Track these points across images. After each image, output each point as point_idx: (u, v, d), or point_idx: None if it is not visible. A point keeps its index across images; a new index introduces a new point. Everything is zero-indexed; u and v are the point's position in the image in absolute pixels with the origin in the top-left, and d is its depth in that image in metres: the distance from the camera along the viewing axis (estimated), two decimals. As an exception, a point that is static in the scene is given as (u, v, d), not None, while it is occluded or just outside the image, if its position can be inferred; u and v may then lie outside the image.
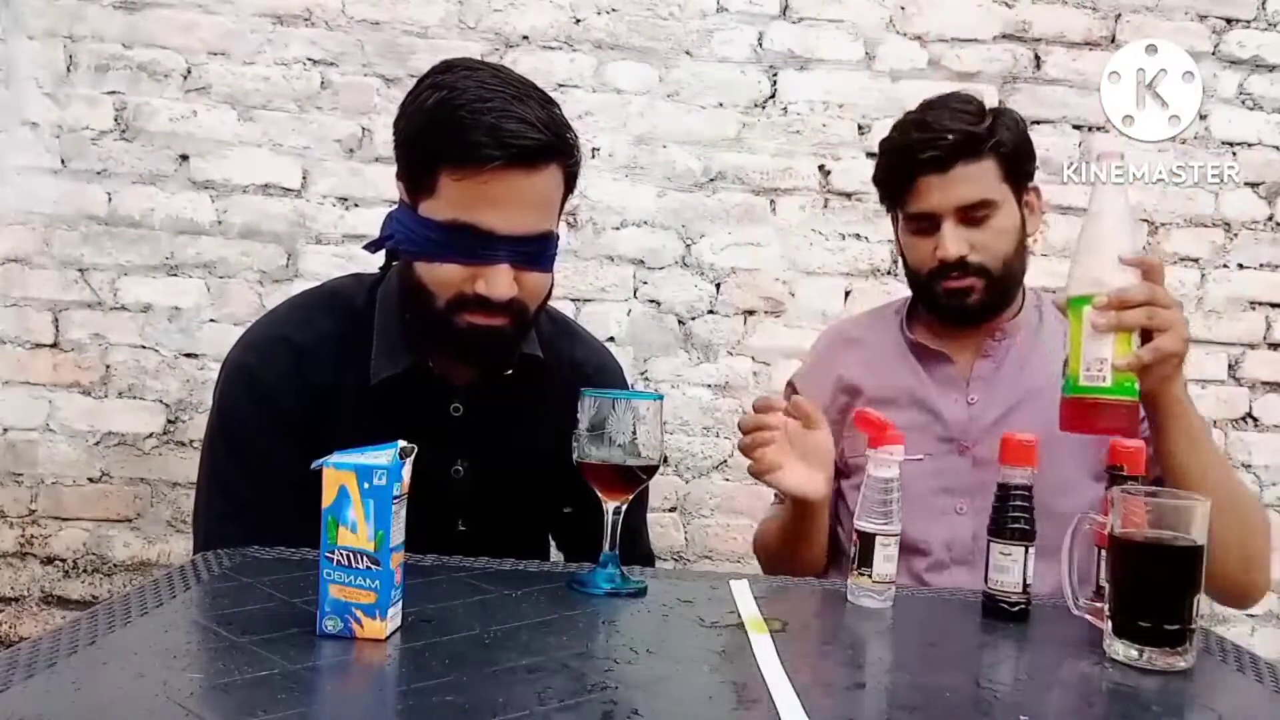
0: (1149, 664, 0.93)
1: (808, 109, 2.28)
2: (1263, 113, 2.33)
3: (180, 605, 0.95)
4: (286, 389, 1.23)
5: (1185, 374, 1.23)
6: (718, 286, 2.29)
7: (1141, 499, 0.97)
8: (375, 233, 1.27)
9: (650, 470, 1.08)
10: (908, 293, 1.55)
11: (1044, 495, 1.09)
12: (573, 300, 2.23)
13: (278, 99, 2.21)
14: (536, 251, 1.17)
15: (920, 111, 1.44)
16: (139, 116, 2.20)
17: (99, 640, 0.83)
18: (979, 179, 1.38)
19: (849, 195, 2.28)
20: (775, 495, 1.50)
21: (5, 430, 2.20)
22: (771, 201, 2.29)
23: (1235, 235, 2.34)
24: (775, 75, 2.28)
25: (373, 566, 0.86)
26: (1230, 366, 2.34)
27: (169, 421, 2.21)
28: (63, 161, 2.19)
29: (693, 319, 2.29)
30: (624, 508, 1.09)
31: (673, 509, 2.29)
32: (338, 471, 0.86)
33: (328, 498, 0.86)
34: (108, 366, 2.20)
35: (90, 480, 2.21)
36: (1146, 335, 1.15)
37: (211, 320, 2.21)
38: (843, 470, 1.47)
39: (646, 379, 2.27)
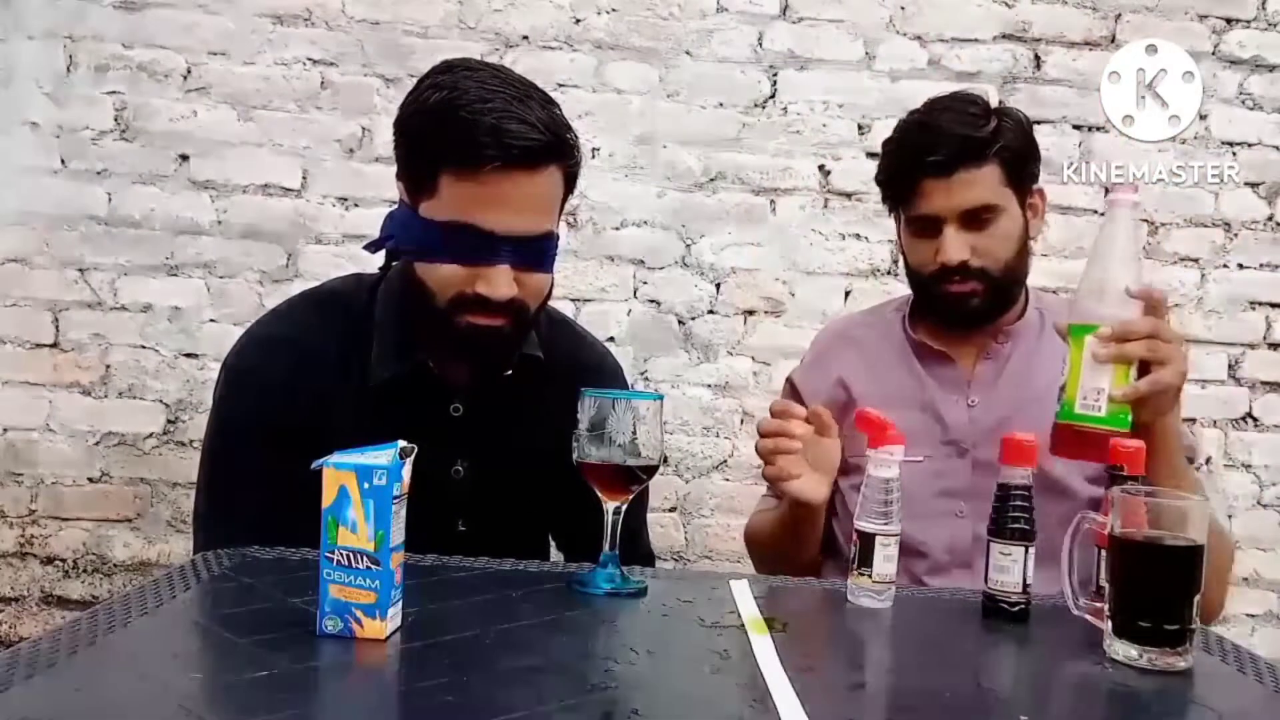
0: (1149, 664, 0.93)
1: (808, 109, 2.28)
2: (1263, 113, 2.33)
3: (180, 605, 0.94)
4: (286, 389, 1.23)
5: (1180, 407, 1.23)
6: (718, 286, 2.29)
7: (1141, 499, 0.97)
8: (375, 233, 1.27)
9: (650, 470, 1.08)
10: (908, 290, 1.55)
11: (1038, 497, 1.09)
12: (573, 300, 2.23)
13: (278, 99, 2.21)
14: (537, 252, 1.17)
15: (924, 112, 1.43)
16: (139, 116, 2.19)
17: (99, 640, 0.82)
18: (982, 183, 1.38)
19: (849, 195, 2.28)
20: (767, 488, 1.50)
21: (5, 430, 2.20)
22: (771, 201, 2.29)
23: (1235, 235, 2.34)
24: (775, 75, 2.28)
25: (373, 566, 0.86)
26: (1230, 366, 2.34)
27: (169, 421, 2.21)
28: (63, 161, 2.19)
29: (693, 319, 2.29)
30: (624, 508, 1.09)
31: (673, 509, 2.29)
32: (338, 471, 0.86)
33: (328, 498, 0.86)
34: (108, 366, 2.20)
35: (90, 480, 2.21)
36: (1145, 368, 1.16)
37: (211, 320, 2.21)
38: (842, 469, 1.46)
39: (646, 379, 2.27)
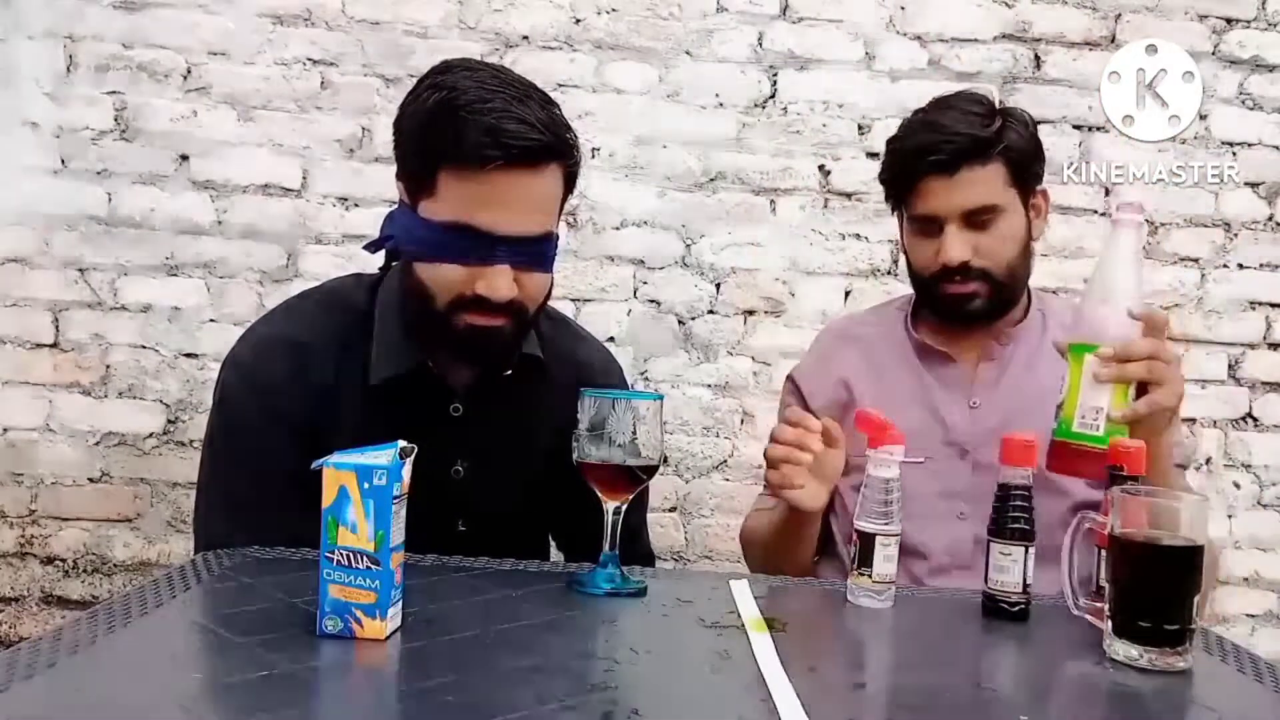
0: (1149, 664, 0.93)
1: (808, 109, 2.28)
2: (1263, 113, 2.33)
3: (180, 605, 0.94)
4: (286, 389, 1.23)
5: (1177, 421, 1.24)
6: (718, 286, 2.29)
7: (1141, 499, 0.97)
8: (375, 233, 1.27)
9: (650, 470, 1.08)
10: (910, 290, 1.55)
11: (1038, 497, 1.09)
12: (573, 300, 2.23)
13: (278, 99, 2.21)
14: (536, 252, 1.17)
15: (928, 111, 1.43)
16: (139, 116, 2.19)
17: (99, 640, 0.82)
18: (985, 183, 1.38)
19: (849, 195, 2.28)
20: (765, 488, 1.50)
21: (5, 430, 2.20)
22: (771, 201, 2.29)
23: (1235, 235, 2.33)
24: (775, 75, 2.28)
25: (373, 566, 0.86)
26: (1230, 366, 2.34)
27: (169, 421, 2.21)
28: (63, 161, 2.19)
29: (693, 319, 2.29)
30: (624, 508, 1.09)
31: (673, 509, 2.29)
32: (338, 471, 0.86)
33: (328, 498, 0.86)
34: (108, 366, 2.20)
35: (90, 480, 2.21)
36: (1142, 388, 1.17)
37: (211, 320, 2.21)
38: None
39: (646, 379, 2.27)
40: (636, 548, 1.39)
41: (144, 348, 2.20)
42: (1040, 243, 1.50)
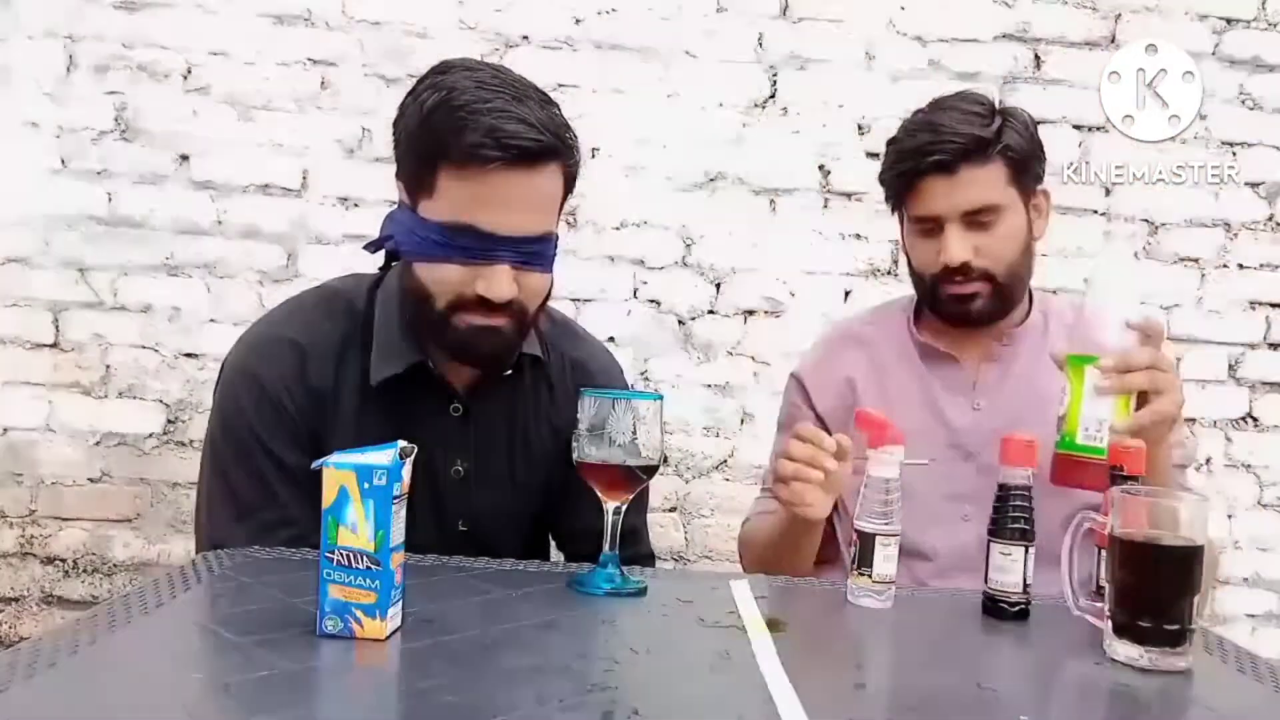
0: (1149, 664, 0.93)
1: (808, 109, 2.28)
2: (1263, 113, 2.33)
3: (180, 605, 0.94)
4: (287, 389, 1.22)
5: (1179, 432, 1.25)
6: (718, 286, 2.29)
7: (1141, 499, 0.97)
8: (375, 233, 1.27)
9: (650, 470, 1.08)
10: (911, 290, 1.54)
11: (1038, 497, 1.09)
12: (573, 300, 2.23)
13: (278, 99, 2.21)
14: (536, 252, 1.17)
15: (929, 111, 1.43)
16: (139, 116, 2.19)
17: (99, 640, 0.82)
18: (985, 183, 1.37)
19: (849, 195, 2.28)
20: (763, 489, 1.49)
21: (5, 430, 2.20)
22: (771, 201, 2.29)
23: (1235, 235, 2.34)
24: (775, 75, 2.28)
25: (373, 566, 0.86)
26: (1230, 366, 2.34)
27: (169, 421, 2.21)
28: (63, 161, 2.19)
29: (693, 319, 2.29)
30: (624, 508, 1.09)
31: (673, 509, 2.29)
32: (338, 471, 0.86)
33: (328, 498, 0.86)
34: (108, 366, 2.20)
35: (90, 480, 2.21)
36: (1142, 397, 1.17)
37: (211, 320, 2.21)
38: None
39: (646, 379, 2.27)
40: (637, 548, 1.38)
41: (144, 348, 2.20)
42: (1041, 243, 1.50)
